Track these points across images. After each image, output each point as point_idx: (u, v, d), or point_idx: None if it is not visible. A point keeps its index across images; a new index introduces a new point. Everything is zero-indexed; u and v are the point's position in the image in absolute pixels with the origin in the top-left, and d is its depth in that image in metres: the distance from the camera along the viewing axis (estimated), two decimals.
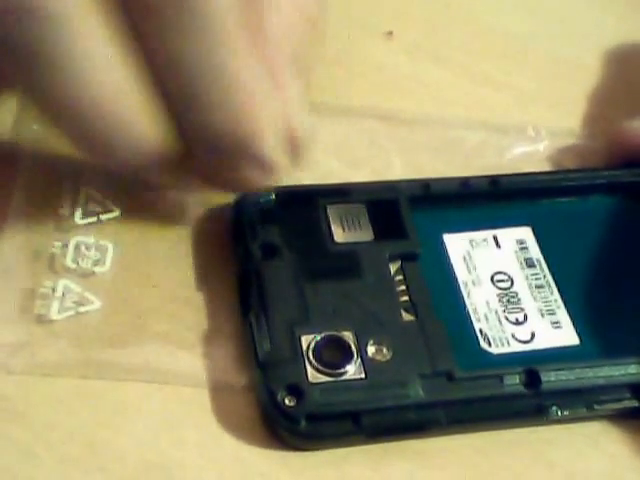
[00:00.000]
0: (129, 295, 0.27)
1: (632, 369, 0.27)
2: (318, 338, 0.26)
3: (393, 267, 0.28)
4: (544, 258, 0.30)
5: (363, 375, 0.25)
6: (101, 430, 0.25)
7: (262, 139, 0.25)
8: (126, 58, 0.24)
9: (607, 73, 0.37)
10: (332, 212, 0.29)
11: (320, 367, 0.25)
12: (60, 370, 0.26)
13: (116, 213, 0.29)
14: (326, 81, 0.34)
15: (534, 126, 0.34)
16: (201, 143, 0.25)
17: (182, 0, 0.23)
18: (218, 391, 0.26)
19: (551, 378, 0.26)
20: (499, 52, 0.37)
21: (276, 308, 0.26)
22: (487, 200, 0.31)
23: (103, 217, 0.29)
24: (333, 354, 0.26)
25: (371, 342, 0.26)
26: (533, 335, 0.28)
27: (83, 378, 0.26)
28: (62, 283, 0.27)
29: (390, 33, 0.37)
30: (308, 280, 0.27)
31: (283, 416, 0.25)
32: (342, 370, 0.25)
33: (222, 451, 0.25)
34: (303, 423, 0.25)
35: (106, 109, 0.24)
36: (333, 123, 0.33)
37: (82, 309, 0.27)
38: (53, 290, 0.27)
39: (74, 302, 0.27)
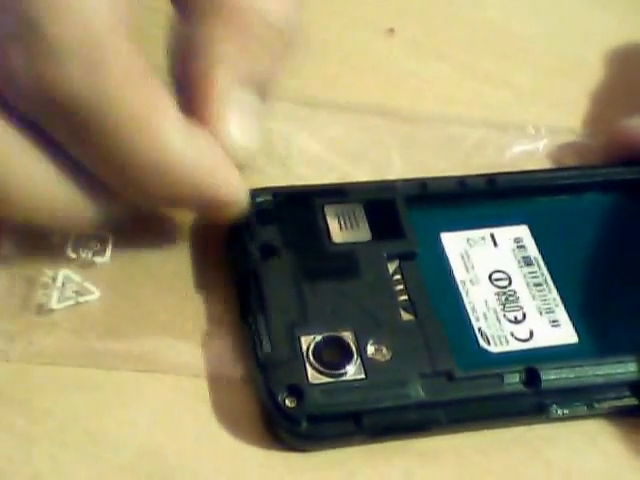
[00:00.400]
0: (129, 285, 0.28)
1: (631, 367, 0.27)
2: (318, 339, 0.26)
3: (391, 266, 0.28)
4: (542, 256, 0.30)
5: (363, 375, 0.25)
6: (98, 419, 0.25)
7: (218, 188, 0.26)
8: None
9: (607, 72, 0.37)
10: (329, 212, 0.29)
11: (320, 368, 0.25)
12: (59, 359, 0.26)
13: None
14: (327, 78, 0.35)
15: (534, 124, 0.34)
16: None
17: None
18: (217, 383, 0.26)
19: (551, 376, 0.26)
20: (500, 50, 0.37)
21: (275, 309, 0.26)
22: (484, 199, 0.31)
23: None
24: (333, 354, 0.26)
25: (371, 342, 0.26)
26: (532, 333, 0.28)
27: (81, 367, 0.26)
28: (62, 273, 0.27)
29: (391, 30, 0.37)
30: (307, 280, 0.27)
31: (284, 417, 0.25)
32: (342, 370, 0.25)
33: (219, 444, 0.25)
34: (304, 424, 0.25)
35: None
36: (333, 120, 0.33)
37: (82, 299, 0.27)
38: (53, 279, 0.27)
39: (74, 292, 0.27)
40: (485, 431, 0.26)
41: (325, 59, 0.35)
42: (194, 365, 0.26)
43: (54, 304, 0.27)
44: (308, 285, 0.27)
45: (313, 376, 0.25)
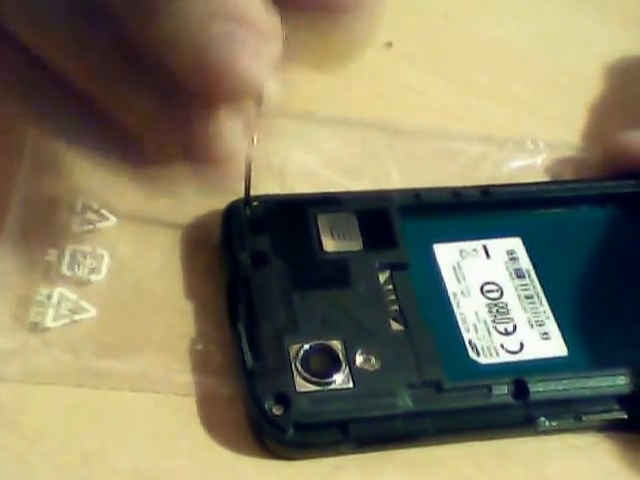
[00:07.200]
0: (124, 304, 0.28)
1: (620, 380, 0.27)
2: (306, 347, 0.26)
3: (382, 277, 0.28)
4: (534, 269, 0.29)
5: (351, 384, 0.25)
6: (93, 439, 0.25)
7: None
8: None
9: (606, 86, 0.37)
10: (322, 221, 0.29)
11: (308, 376, 0.25)
12: (54, 378, 0.26)
13: (112, 222, 0.29)
14: (325, 91, 0.34)
15: (532, 139, 0.34)
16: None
17: None
18: (211, 401, 0.26)
19: (539, 389, 0.26)
20: (498, 64, 0.37)
21: (264, 317, 0.26)
22: (477, 210, 0.31)
23: (99, 225, 0.29)
24: (321, 363, 0.26)
25: (359, 351, 0.26)
26: (522, 345, 0.28)
27: (77, 386, 0.26)
28: (58, 291, 0.27)
29: (389, 44, 0.37)
30: (297, 289, 0.27)
31: (270, 425, 0.25)
32: (330, 379, 0.25)
33: (213, 461, 0.25)
34: (290, 432, 0.25)
35: None
36: (331, 133, 0.33)
37: (77, 317, 0.27)
38: (48, 298, 0.27)
39: (69, 310, 0.27)
40: (478, 442, 0.26)
41: (322, 73, 0.35)
42: (188, 384, 0.26)
43: (49, 323, 0.26)
44: (298, 294, 0.27)
45: (300, 384, 0.25)
